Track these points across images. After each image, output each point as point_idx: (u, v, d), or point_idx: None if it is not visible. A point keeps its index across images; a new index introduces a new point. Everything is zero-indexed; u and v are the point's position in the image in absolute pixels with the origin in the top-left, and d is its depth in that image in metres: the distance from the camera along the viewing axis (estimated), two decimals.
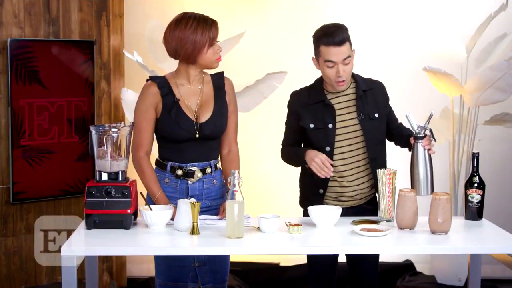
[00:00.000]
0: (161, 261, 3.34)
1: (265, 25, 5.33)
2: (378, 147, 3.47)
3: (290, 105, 3.56)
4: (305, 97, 3.49)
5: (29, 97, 4.53)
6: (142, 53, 4.83)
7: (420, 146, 3.29)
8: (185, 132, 3.28)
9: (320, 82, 3.50)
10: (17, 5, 4.52)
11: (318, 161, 3.32)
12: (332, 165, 3.35)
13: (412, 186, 3.29)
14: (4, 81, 4.46)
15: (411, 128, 3.33)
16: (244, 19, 5.23)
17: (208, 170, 3.35)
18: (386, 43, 5.32)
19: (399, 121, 3.59)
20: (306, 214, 3.40)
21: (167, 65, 4.79)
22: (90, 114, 4.78)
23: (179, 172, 3.31)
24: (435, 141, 3.33)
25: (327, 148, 3.41)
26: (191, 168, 3.32)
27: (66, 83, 4.68)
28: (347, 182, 3.44)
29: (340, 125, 3.42)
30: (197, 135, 3.29)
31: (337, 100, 3.45)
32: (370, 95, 3.47)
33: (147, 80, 3.37)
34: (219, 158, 3.45)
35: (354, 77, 3.49)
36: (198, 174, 3.32)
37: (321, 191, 3.45)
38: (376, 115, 3.45)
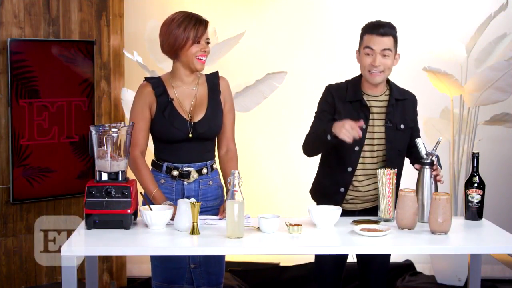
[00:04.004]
0: (156, 262, 3.33)
1: (265, 25, 5.33)
2: (398, 158, 3.47)
3: (326, 97, 3.50)
4: (343, 92, 3.47)
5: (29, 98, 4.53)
6: (142, 53, 4.83)
7: (427, 172, 3.28)
8: (178, 131, 3.28)
9: (358, 81, 3.49)
10: (17, 5, 4.52)
11: (348, 127, 3.22)
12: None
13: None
14: (4, 81, 4.46)
15: (420, 153, 3.32)
16: (244, 19, 5.24)
17: (204, 170, 3.35)
18: None
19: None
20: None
21: (167, 65, 4.78)
22: (90, 114, 4.78)
23: (175, 172, 3.31)
24: (441, 167, 3.32)
25: (356, 148, 3.41)
26: (187, 168, 3.32)
27: (66, 83, 4.68)
28: (364, 186, 3.45)
29: (370, 129, 3.43)
30: (190, 135, 3.29)
31: (371, 103, 3.45)
32: (401, 105, 3.48)
33: (143, 81, 3.38)
34: (217, 158, 3.45)
35: (390, 84, 3.50)
36: (194, 175, 3.32)
37: (342, 189, 3.45)
38: (402, 126, 3.45)
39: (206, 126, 3.32)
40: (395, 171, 3.29)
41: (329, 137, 3.26)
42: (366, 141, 3.43)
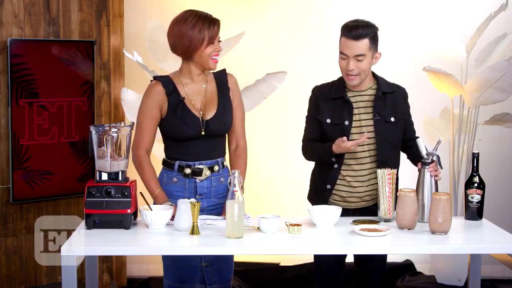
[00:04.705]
0: (168, 261, 3.34)
1: (265, 25, 5.33)
2: (391, 152, 3.47)
3: (311, 99, 3.57)
4: (326, 91, 3.52)
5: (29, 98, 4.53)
6: (142, 53, 4.83)
7: (427, 172, 3.28)
8: (191, 130, 3.29)
9: (343, 79, 3.51)
10: (17, 5, 4.52)
11: (342, 145, 3.34)
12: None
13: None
14: (4, 81, 4.46)
15: (420, 152, 3.33)
16: (244, 19, 5.24)
17: (216, 168, 3.36)
18: (386, 43, 5.30)
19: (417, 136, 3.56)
20: None
21: (167, 65, 4.79)
22: (90, 114, 4.78)
23: (187, 170, 3.32)
24: (441, 168, 3.33)
25: None
26: (199, 166, 3.33)
27: (66, 84, 4.68)
28: (356, 182, 3.45)
29: (356, 124, 3.45)
30: (203, 132, 3.30)
31: (357, 98, 3.47)
32: (390, 98, 3.49)
33: (151, 80, 3.38)
34: (227, 155, 3.46)
35: (377, 79, 3.51)
36: (206, 172, 3.33)
37: (328, 186, 3.47)
38: (392, 119, 3.46)
39: (218, 123, 3.33)
40: (395, 171, 3.29)
41: (334, 159, 3.43)
42: (355, 136, 3.43)
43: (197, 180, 3.33)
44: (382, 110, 3.45)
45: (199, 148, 3.32)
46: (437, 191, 3.26)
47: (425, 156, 3.30)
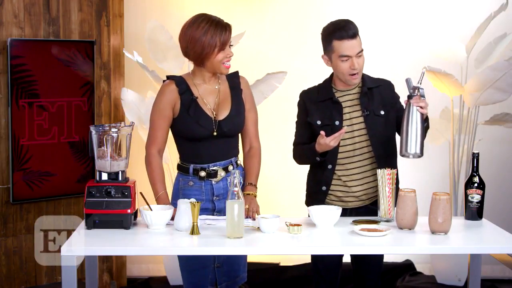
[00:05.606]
0: (183, 262, 3.33)
1: (265, 25, 5.33)
2: (386, 145, 3.47)
3: (299, 103, 3.60)
4: (314, 94, 3.53)
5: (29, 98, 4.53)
6: (142, 53, 4.83)
7: (411, 105, 3.27)
8: (203, 130, 3.29)
9: (329, 81, 3.54)
10: (17, 5, 4.52)
11: (325, 141, 3.31)
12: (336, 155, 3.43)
13: (401, 146, 3.28)
14: (4, 81, 4.46)
15: (408, 90, 3.33)
16: (244, 19, 5.23)
17: (230, 167, 3.36)
18: (386, 43, 5.32)
19: None
20: None
21: (167, 65, 4.79)
22: (90, 114, 4.78)
23: (202, 173, 3.32)
24: (424, 97, 3.30)
25: None
26: (213, 168, 3.33)
27: (66, 84, 4.68)
28: (351, 181, 3.45)
29: (347, 122, 3.45)
30: (215, 133, 3.30)
31: (345, 98, 3.47)
32: (377, 92, 3.49)
33: (164, 81, 3.38)
34: (241, 155, 3.47)
35: (362, 75, 3.51)
36: (221, 173, 3.34)
37: (324, 188, 3.46)
38: (382, 112, 3.46)
39: (231, 124, 3.34)
40: (395, 171, 3.29)
41: (318, 159, 3.40)
42: (347, 135, 3.44)
43: (213, 181, 3.33)
44: (369, 105, 3.45)
45: (212, 148, 3.33)
46: (422, 123, 3.25)
47: (411, 91, 3.29)
